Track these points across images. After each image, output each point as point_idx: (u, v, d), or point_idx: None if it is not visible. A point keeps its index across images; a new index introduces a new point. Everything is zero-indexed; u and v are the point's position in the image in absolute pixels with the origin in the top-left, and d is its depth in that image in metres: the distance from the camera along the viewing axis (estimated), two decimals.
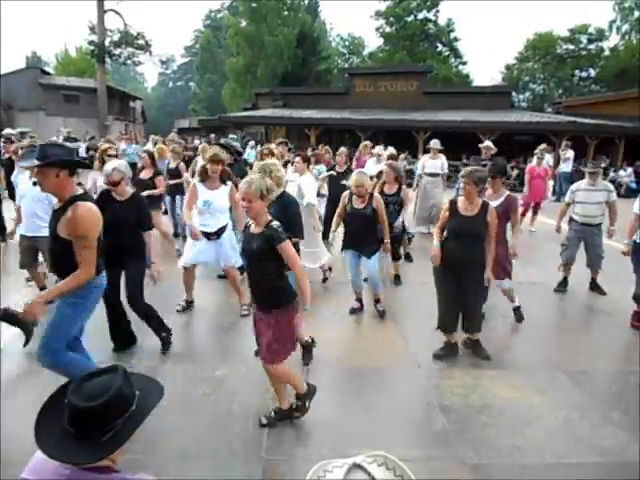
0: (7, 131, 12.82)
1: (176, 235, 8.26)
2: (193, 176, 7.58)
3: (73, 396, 1.31)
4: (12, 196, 6.93)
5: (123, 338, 4.37)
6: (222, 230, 5.07)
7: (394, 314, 5.49)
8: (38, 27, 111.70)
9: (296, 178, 6.08)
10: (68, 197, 2.88)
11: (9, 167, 8.12)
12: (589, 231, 6.04)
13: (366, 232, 5.06)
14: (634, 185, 17.42)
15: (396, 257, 6.45)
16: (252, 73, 36.15)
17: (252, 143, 17.12)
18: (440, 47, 41.13)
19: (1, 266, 5.60)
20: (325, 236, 6.56)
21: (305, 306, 3.09)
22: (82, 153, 16.31)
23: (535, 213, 10.22)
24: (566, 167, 14.87)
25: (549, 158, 13.37)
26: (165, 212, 9.14)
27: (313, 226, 5.86)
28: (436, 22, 39.79)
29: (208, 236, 5.02)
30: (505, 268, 4.89)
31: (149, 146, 13.06)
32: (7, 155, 10.11)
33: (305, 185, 5.81)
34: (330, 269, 6.34)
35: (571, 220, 6.21)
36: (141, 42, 29.57)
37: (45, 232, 3.53)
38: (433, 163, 9.21)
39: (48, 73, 34.40)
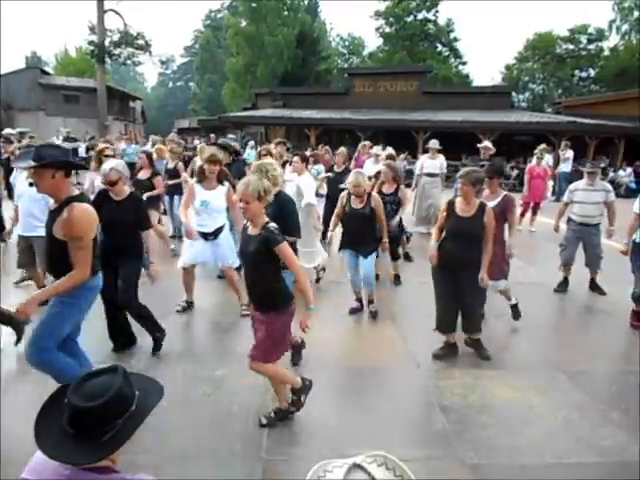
0: (7, 131, 12.81)
1: (174, 236, 8.26)
2: (192, 176, 7.58)
3: (73, 396, 1.31)
4: (12, 196, 6.94)
5: (122, 338, 4.36)
6: (219, 230, 5.07)
7: (394, 314, 5.49)
8: (38, 27, 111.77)
9: (294, 178, 6.08)
10: (64, 198, 2.88)
11: (8, 167, 8.13)
12: (587, 231, 6.04)
13: (364, 232, 5.07)
14: (634, 185, 17.43)
15: (395, 257, 6.46)
16: (252, 73, 36.16)
17: (252, 143, 17.12)
18: (440, 47, 41.14)
19: (1, 266, 5.60)
20: (324, 236, 6.56)
21: (310, 306, 3.06)
22: (82, 153, 16.29)
23: (535, 213, 10.22)
24: (566, 167, 14.88)
25: (549, 158, 13.37)
26: (164, 212, 9.14)
27: (314, 226, 5.87)
28: (436, 22, 39.82)
29: (205, 236, 5.02)
30: (502, 268, 4.88)
31: (148, 146, 13.04)
32: (6, 155, 10.12)
33: (304, 185, 5.81)
34: (324, 269, 6.33)
35: (569, 220, 6.22)
36: (141, 42, 29.52)
37: (40, 232, 3.52)
38: (432, 163, 9.21)
39: (48, 73, 34.41)
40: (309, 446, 3.10)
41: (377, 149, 9.69)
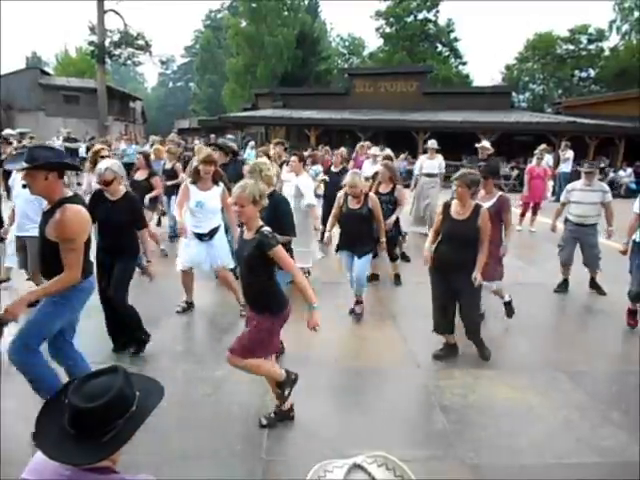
0: (7, 131, 12.82)
1: (174, 236, 8.25)
2: None
3: (74, 396, 1.31)
4: (11, 197, 6.94)
5: (122, 338, 4.37)
6: (215, 231, 5.07)
7: (393, 314, 5.50)
8: (38, 27, 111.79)
9: (292, 178, 6.09)
10: (57, 199, 2.87)
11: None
12: (583, 231, 6.04)
13: (361, 232, 5.07)
14: (634, 185, 17.43)
15: (393, 258, 6.46)
16: (252, 73, 36.15)
17: (252, 143, 17.11)
18: (440, 47, 41.14)
19: (1, 266, 5.60)
20: (321, 237, 6.57)
21: (313, 305, 3.06)
22: (82, 154, 16.29)
23: (535, 213, 10.22)
24: (566, 167, 14.87)
25: (549, 158, 13.36)
26: (163, 214, 9.13)
27: (314, 226, 5.88)
28: (436, 22, 39.82)
29: (201, 237, 5.02)
30: (496, 269, 4.87)
31: (147, 147, 13.03)
32: (4, 156, 10.11)
33: (303, 185, 5.82)
34: (309, 272, 6.33)
35: (566, 220, 6.22)
36: (141, 42, 29.53)
37: (33, 232, 3.51)
38: (430, 163, 9.22)
39: (48, 73, 34.42)
40: (309, 446, 3.10)
41: (375, 150, 9.69)
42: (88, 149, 18.13)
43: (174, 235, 8.05)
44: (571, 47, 39.05)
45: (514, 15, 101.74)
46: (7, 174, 5.99)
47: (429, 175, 9.20)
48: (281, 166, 7.23)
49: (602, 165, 18.02)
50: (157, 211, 8.90)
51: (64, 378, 3.18)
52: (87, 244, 2.99)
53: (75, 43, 68.50)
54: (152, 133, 25.44)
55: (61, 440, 1.31)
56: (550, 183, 13.05)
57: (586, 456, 3.11)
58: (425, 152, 9.89)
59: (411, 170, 13.97)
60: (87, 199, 4.23)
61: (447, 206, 4.26)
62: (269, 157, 6.81)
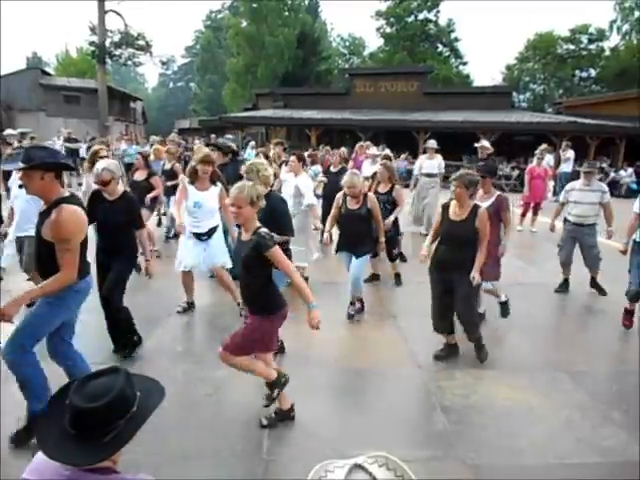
0: (8, 132, 12.81)
1: (174, 236, 8.25)
2: None
3: (75, 397, 1.31)
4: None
5: (123, 339, 4.36)
6: (213, 231, 5.07)
7: (394, 314, 5.50)
8: (39, 28, 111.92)
9: (291, 178, 6.09)
10: (53, 199, 2.86)
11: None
12: (581, 231, 6.03)
13: (361, 233, 5.07)
14: (635, 186, 17.40)
15: (392, 258, 6.45)
16: (252, 73, 36.17)
17: (252, 143, 17.14)
18: (440, 47, 41.14)
19: (0, 265, 5.60)
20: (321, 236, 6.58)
21: (312, 304, 3.05)
22: (83, 154, 16.30)
23: (535, 213, 10.22)
24: (567, 167, 14.86)
25: (550, 158, 13.35)
26: (164, 214, 9.13)
27: (315, 226, 5.89)
28: (436, 22, 39.82)
29: (199, 237, 5.02)
30: (494, 270, 4.86)
31: (147, 148, 13.03)
32: (4, 157, 10.11)
33: (303, 185, 5.83)
34: (307, 278, 6.32)
35: (565, 220, 6.22)
36: (142, 43, 29.52)
37: (30, 232, 3.50)
38: (430, 163, 9.22)
39: (49, 74, 34.43)
40: (310, 446, 3.10)
41: (374, 149, 9.70)
42: (89, 149, 18.18)
43: (173, 236, 8.05)
44: (572, 47, 39.03)
45: (514, 15, 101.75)
46: (7, 174, 5.99)
47: (429, 175, 9.20)
48: (280, 166, 7.24)
49: (602, 165, 18.00)
50: (158, 211, 8.91)
51: (57, 380, 3.17)
52: (84, 244, 2.98)
53: (76, 43, 68.47)
54: (153, 133, 25.45)
55: (62, 440, 1.31)
56: (551, 183, 13.04)
57: (587, 456, 3.10)
58: (425, 152, 9.89)
59: (412, 170, 13.99)
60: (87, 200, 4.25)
61: (446, 207, 4.27)
62: (268, 158, 6.82)
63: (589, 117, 20.40)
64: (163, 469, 2.81)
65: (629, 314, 5.14)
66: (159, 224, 9.26)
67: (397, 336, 4.93)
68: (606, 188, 6.10)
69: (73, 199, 2.95)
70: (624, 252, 5.19)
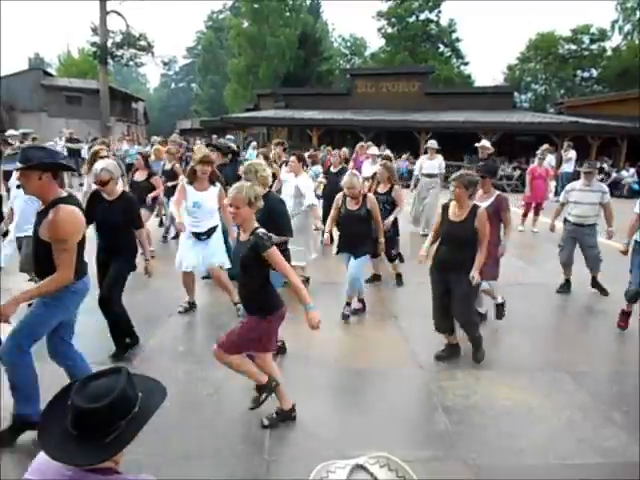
0: (10, 132, 12.84)
1: (175, 236, 8.25)
2: None
3: (77, 397, 1.31)
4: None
5: (123, 340, 4.37)
6: (212, 230, 5.08)
7: (395, 314, 5.50)
8: (41, 29, 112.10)
9: (291, 178, 6.09)
10: (51, 199, 2.87)
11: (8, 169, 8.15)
12: (581, 231, 6.02)
13: (360, 233, 5.06)
14: (636, 186, 17.37)
15: (391, 258, 6.43)
16: (254, 74, 36.19)
17: (254, 144, 17.18)
18: (442, 48, 41.13)
19: (1, 265, 5.61)
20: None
21: (309, 305, 3.04)
22: (84, 154, 16.32)
23: (537, 214, 10.20)
24: (568, 168, 14.85)
25: (551, 159, 13.34)
26: (164, 215, 9.13)
27: (316, 226, 5.90)
28: (438, 23, 39.82)
29: (199, 236, 5.03)
30: (492, 269, 4.84)
31: (149, 148, 13.05)
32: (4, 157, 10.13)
33: (304, 186, 5.84)
34: (307, 280, 6.32)
35: (565, 220, 6.21)
36: (143, 43, 29.60)
37: (29, 232, 3.51)
38: (430, 164, 9.22)
39: (50, 74, 34.48)
40: (311, 447, 3.10)
41: (374, 149, 9.70)
42: (90, 150, 18.20)
43: (174, 237, 8.05)
44: (573, 47, 38.98)
45: (516, 15, 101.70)
46: (8, 175, 6.02)
47: (429, 175, 9.20)
48: (281, 166, 7.25)
49: (602, 165, 17.99)
50: (158, 212, 8.90)
51: (56, 380, 3.18)
52: (81, 245, 2.98)
53: (77, 44, 68.65)
54: (154, 134, 25.48)
55: (64, 441, 1.32)
56: (553, 183, 13.03)
57: (588, 457, 3.10)
58: (426, 152, 9.89)
59: (413, 170, 14.01)
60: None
61: (445, 208, 4.27)
62: (268, 159, 6.83)
63: (591, 117, 20.38)
64: (164, 469, 2.81)
65: (625, 315, 5.11)
66: (161, 224, 9.25)
67: (398, 336, 4.93)
68: (606, 188, 6.09)
69: (71, 199, 2.95)
70: (625, 252, 5.18)
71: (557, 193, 14.37)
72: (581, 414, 3.57)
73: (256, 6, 35.20)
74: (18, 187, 2.94)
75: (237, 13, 41.66)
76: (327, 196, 7.25)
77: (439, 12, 39.30)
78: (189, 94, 60.45)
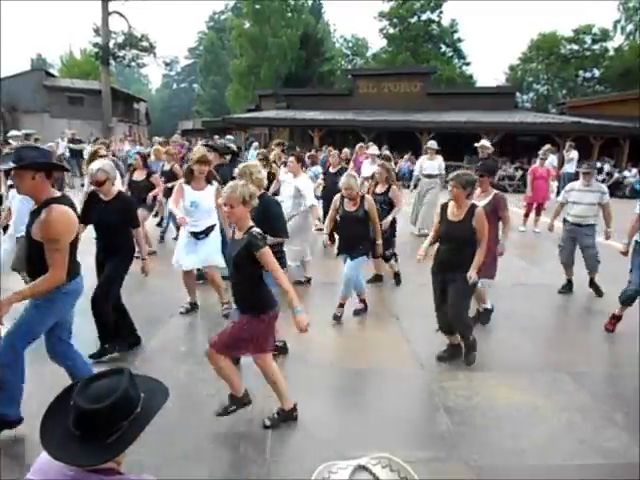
0: (12, 133, 12.87)
1: (176, 237, 8.24)
2: None
3: (79, 398, 1.31)
4: None
5: (131, 338, 4.38)
6: (210, 229, 5.10)
7: (396, 314, 5.50)
8: (43, 30, 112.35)
9: (289, 179, 6.10)
10: (44, 199, 2.87)
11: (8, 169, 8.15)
12: (579, 231, 6.01)
13: (358, 235, 5.06)
14: (639, 186, 17.33)
15: (386, 258, 6.39)
16: (255, 74, 36.20)
17: (256, 144, 17.21)
18: (444, 48, 41.08)
19: (1, 265, 5.63)
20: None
21: (297, 309, 3.05)
22: (86, 155, 16.35)
23: (538, 214, 10.19)
24: (570, 168, 14.83)
25: (553, 159, 13.32)
26: (162, 218, 9.13)
27: (317, 227, 5.91)
28: (440, 23, 39.75)
29: (197, 236, 5.04)
30: (489, 268, 4.81)
31: (149, 149, 13.06)
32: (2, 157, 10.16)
33: (303, 187, 5.85)
34: (309, 280, 6.38)
35: (564, 220, 6.20)
36: (145, 44, 29.65)
37: (23, 232, 3.52)
38: (430, 164, 9.22)
39: (53, 75, 34.53)
40: (313, 447, 3.10)
41: (374, 149, 9.70)
42: None
43: (175, 237, 8.05)
44: (575, 47, 38.89)
45: (518, 15, 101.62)
46: (8, 174, 6.04)
47: (429, 176, 9.19)
48: (281, 167, 7.27)
49: (601, 165, 17.98)
50: (159, 211, 8.89)
51: (55, 380, 3.19)
52: (73, 245, 2.98)
53: (79, 45, 68.71)
54: (156, 134, 25.51)
55: (66, 441, 1.32)
56: (555, 184, 13.00)
57: (589, 457, 3.10)
58: (426, 153, 9.88)
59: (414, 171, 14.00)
60: None
61: (444, 207, 4.28)
62: (267, 159, 6.83)
63: (593, 117, 20.35)
64: (164, 469, 2.82)
65: (615, 319, 5.07)
66: (160, 224, 9.23)
67: (400, 336, 4.93)
68: (605, 189, 6.09)
69: (64, 199, 2.96)
70: (625, 253, 5.15)
71: (559, 193, 14.35)
72: (582, 415, 3.57)
73: (258, 7, 35.22)
74: (10, 187, 2.94)
75: (239, 14, 41.67)
76: (326, 197, 7.25)
77: (441, 12, 39.26)
78: (191, 95, 60.51)
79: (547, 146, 11.22)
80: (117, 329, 4.33)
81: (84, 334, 4.07)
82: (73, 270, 3.01)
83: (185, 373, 4.01)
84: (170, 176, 8.00)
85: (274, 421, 3.29)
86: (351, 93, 24.95)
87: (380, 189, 6.11)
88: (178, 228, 7.44)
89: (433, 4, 38.42)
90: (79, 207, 4.06)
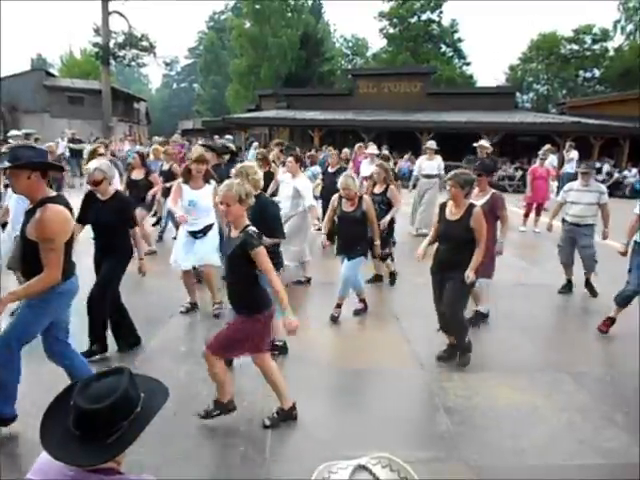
0: (13, 133, 12.87)
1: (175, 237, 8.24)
2: None
3: (79, 398, 1.31)
4: None
5: (131, 338, 4.39)
6: (208, 229, 5.11)
7: (396, 315, 5.50)
8: (43, 29, 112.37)
9: (288, 179, 6.10)
10: (39, 199, 2.87)
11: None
12: (577, 231, 6.01)
13: (355, 235, 5.06)
14: (639, 186, 17.34)
15: (382, 258, 6.39)
16: (255, 74, 36.20)
17: (256, 144, 17.23)
18: (444, 48, 41.06)
19: (1, 265, 5.63)
20: None
21: (284, 312, 3.06)
22: (86, 155, 16.35)
23: (538, 214, 10.18)
24: (570, 168, 14.82)
25: (554, 159, 13.32)
26: (160, 218, 9.13)
27: (316, 227, 5.91)
28: (440, 23, 39.73)
29: (195, 235, 5.05)
30: (486, 267, 4.78)
31: (148, 149, 13.05)
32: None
33: (302, 187, 5.85)
34: (309, 280, 6.38)
35: (563, 220, 6.20)
36: (145, 44, 29.65)
37: (18, 232, 3.52)
38: (429, 164, 9.21)
39: (53, 75, 34.55)
40: (313, 447, 3.10)
41: (373, 148, 9.70)
42: None
43: (174, 236, 8.04)
44: (575, 47, 38.87)
45: (518, 15, 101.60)
46: (5, 173, 6.05)
47: (428, 176, 9.19)
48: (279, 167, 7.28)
49: (600, 165, 17.98)
50: (159, 210, 8.88)
51: (54, 380, 3.19)
52: (68, 245, 2.97)
53: (80, 45, 68.67)
54: (156, 134, 25.50)
55: (66, 441, 1.32)
56: (555, 184, 13.00)
57: (589, 458, 3.10)
58: (424, 153, 9.88)
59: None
60: None
61: (443, 207, 4.28)
62: (266, 159, 6.83)
63: (593, 117, 20.35)
64: (164, 469, 2.82)
65: (609, 320, 5.06)
66: (156, 223, 9.22)
67: (400, 336, 4.93)
68: (604, 189, 6.09)
69: (59, 199, 2.96)
70: (624, 254, 5.14)
71: (559, 193, 14.34)
72: (582, 415, 3.57)
73: (258, 7, 35.22)
74: (6, 187, 2.95)
75: (239, 14, 41.66)
76: (325, 197, 7.24)
77: (441, 12, 39.24)
78: (191, 94, 60.51)
79: (547, 146, 11.22)
80: (117, 330, 4.34)
81: (82, 334, 4.08)
82: (68, 270, 3.01)
83: (185, 373, 4.01)
84: (169, 176, 7.96)
85: (274, 421, 3.29)
86: (351, 93, 24.95)
87: (378, 189, 6.12)
88: (177, 227, 7.46)
89: (433, 4, 38.41)
90: (79, 207, 4.08)
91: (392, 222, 6.27)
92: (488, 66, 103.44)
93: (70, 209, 3.01)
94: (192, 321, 5.22)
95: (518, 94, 34.82)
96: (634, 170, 18.30)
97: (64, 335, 3.25)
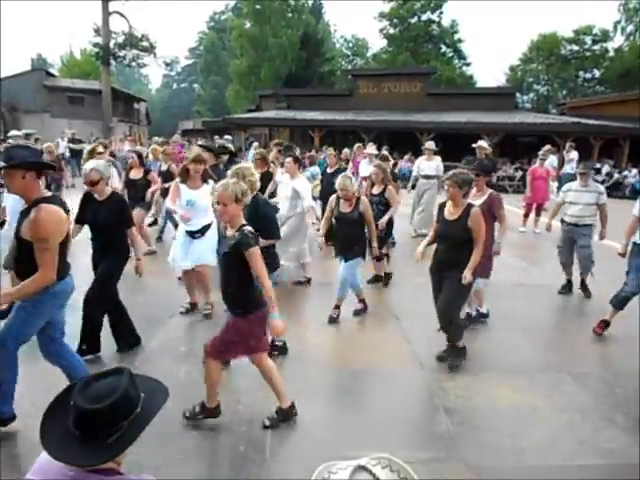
0: (13, 133, 12.88)
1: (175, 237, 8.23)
2: None
3: (79, 398, 1.31)
4: None
5: (131, 339, 4.39)
6: (206, 228, 5.11)
7: (396, 315, 5.49)
8: (43, 30, 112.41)
9: (286, 180, 6.09)
10: (34, 199, 2.87)
11: None
12: (576, 231, 6.01)
13: (353, 236, 5.05)
14: (639, 186, 17.34)
15: (378, 258, 6.37)
16: (256, 75, 36.21)
17: (256, 144, 17.22)
18: (444, 48, 41.06)
19: (1, 264, 5.64)
20: None
21: (273, 314, 3.06)
22: (85, 154, 16.33)
23: (538, 214, 10.18)
24: (570, 168, 14.81)
25: (554, 159, 13.31)
26: (156, 220, 9.12)
27: (317, 227, 5.92)
28: (440, 23, 39.74)
29: (193, 234, 5.06)
30: (484, 267, 4.75)
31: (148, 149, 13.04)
32: None
33: (301, 188, 5.85)
34: (309, 281, 6.38)
35: (562, 221, 6.21)
36: (145, 44, 29.66)
37: None
38: (428, 165, 9.21)
39: (53, 75, 34.54)
40: (313, 447, 3.10)
41: (372, 148, 9.70)
42: None
43: (174, 236, 8.04)
44: (575, 48, 38.90)
45: (518, 16, 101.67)
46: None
47: (427, 177, 9.19)
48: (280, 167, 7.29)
49: (600, 166, 17.98)
50: (157, 209, 8.87)
51: (52, 380, 3.19)
52: (63, 245, 2.97)
53: (80, 45, 68.68)
54: (156, 134, 25.52)
55: (66, 441, 1.32)
56: (555, 184, 12.99)
57: (589, 458, 3.10)
58: (423, 153, 9.87)
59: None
60: None
61: (442, 207, 4.29)
62: (265, 159, 6.84)
63: (593, 118, 20.36)
64: (164, 469, 2.82)
65: (604, 322, 5.04)
66: (154, 223, 9.20)
67: (400, 337, 4.93)
68: (603, 189, 6.09)
69: (54, 199, 2.96)
70: (623, 255, 5.14)
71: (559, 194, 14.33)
72: (582, 415, 3.57)
73: (258, 7, 35.23)
74: (1, 186, 2.95)
75: (239, 14, 41.67)
76: (323, 197, 7.24)
77: (441, 13, 39.26)
78: (191, 95, 60.52)
79: (547, 147, 11.22)
80: (116, 328, 4.34)
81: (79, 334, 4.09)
82: (63, 270, 3.01)
83: (185, 373, 4.01)
84: (167, 176, 7.95)
85: (273, 421, 3.29)
86: (351, 93, 24.96)
87: (376, 190, 6.12)
88: (176, 227, 7.46)
89: (433, 4, 38.42)
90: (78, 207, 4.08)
91: (390, 222, 6.27)
92: (488, 66, 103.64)
93: (66, 209, 3.01)
94: (192, 321, 5.22)
95: (518, 95, 34.85)
96: (634, 170, 18.31)
97: (60, 335, 3.25)
